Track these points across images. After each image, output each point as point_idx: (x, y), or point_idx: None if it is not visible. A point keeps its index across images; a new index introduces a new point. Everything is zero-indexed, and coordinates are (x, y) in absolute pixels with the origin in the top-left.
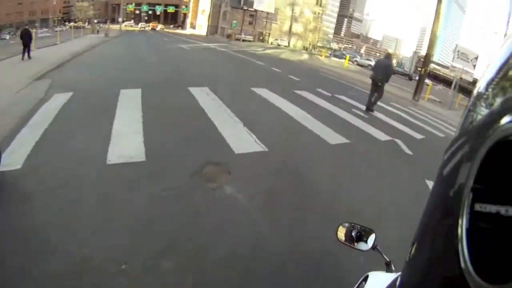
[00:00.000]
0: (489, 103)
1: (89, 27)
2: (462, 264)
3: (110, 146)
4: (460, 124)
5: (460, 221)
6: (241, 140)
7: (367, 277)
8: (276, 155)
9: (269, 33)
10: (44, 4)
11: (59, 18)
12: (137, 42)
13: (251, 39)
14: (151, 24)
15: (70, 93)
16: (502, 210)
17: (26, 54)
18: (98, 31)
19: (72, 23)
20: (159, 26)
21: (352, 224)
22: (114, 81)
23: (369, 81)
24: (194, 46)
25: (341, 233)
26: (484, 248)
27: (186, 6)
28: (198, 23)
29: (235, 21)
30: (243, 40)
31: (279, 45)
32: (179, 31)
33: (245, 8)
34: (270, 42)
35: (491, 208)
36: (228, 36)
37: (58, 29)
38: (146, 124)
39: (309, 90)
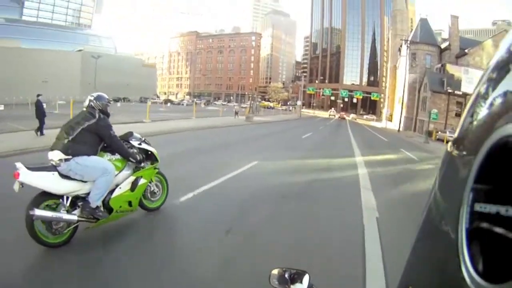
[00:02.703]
0: (489, 104)
1: (283, 107)
2: (462, 264)
3: None
4: (460, 124)
5: (460, 221)
6: None
7: None
8: None
9: None
10: (241, 81)
11: (254, 95)
12: (271, 140)
13: None
14: (340, 113)
15: None
16: (502, 210)
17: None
18: (258, 112)
19: (264, 102)
20: (351, 115)
21: (284, 269)
22: None
23: None
24: (368, 161)
25: (274, 278)
26: (484, 248)
27: (379, 93)
28: (395, 113)
29: (435, 111)
30: (447, 142)
31: None
32: (373, 123)
33: (450, 90)
34: None
35: (491, 208)
36: (429, 133)
37: (233, 104)
38: None
39: None
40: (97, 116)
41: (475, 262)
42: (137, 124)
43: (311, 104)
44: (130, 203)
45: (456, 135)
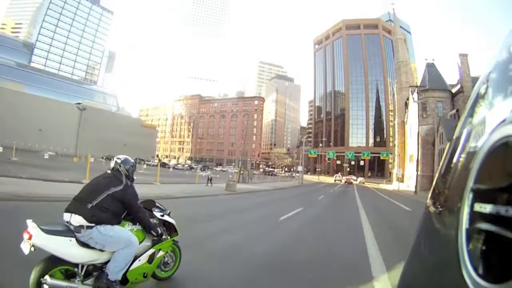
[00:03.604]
0: (489, 104)
1: (285, 174)
2: (462, 264)
3: None
4: (460, 125)
5: (460, 221)
6: None
7: None
8: None
9: None
10: (244, 146)
11: (257, 161)
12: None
13: None
14: (346, 178)
15: None
16: (502, 210)
17: None
18: (251, 180)
19: (267, 168)
20: (359, 179)
21: None
22: None
23: None
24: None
25: None
26: (484, 248)
27: (387, 152)
28: (407, 174)
29: None
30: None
31: None
32: (383, 185)
33: None
34: None
35: (491, 208)
36: None
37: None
38: None
39: None
40: (124, 182)
41: (475, 262)
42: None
43: (316, 170)
44: (145, 275)
45: (456, 135)
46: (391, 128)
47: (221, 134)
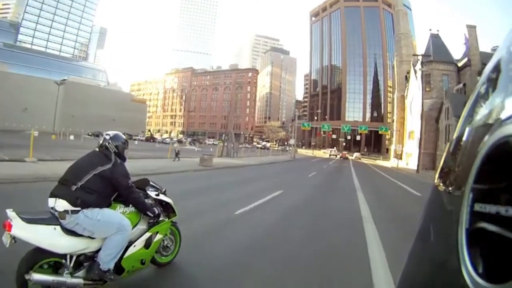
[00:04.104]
0: (489, 104)
1: (278, 148)
2: (462, 264)
3: None
4: (460, 124)
5: (460, 221)
6: None
7: None
8: None
9: None
10: (236, 120)
11: (250, 135)
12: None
13: None
14: (342, 152)
15: None
16: (502, 210)
17: None
18: (236, 153)
19: (263, 142)
20: (355, 154)
21: None
22: None
23: None
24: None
25: None
26: (484, 248)
27: (386, 127)
28: (407, 150)
29: None
30: None
31: None
32: (380, 161)
33: None
34: None
35: (491, 208)
36: None
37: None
38: None
39: None
40: (113, 160)
41: (475, 262)
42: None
43: (310, 144)
44: (142, 261)
45: (456, 134)
46: (389, 104)
47: (213, 107)
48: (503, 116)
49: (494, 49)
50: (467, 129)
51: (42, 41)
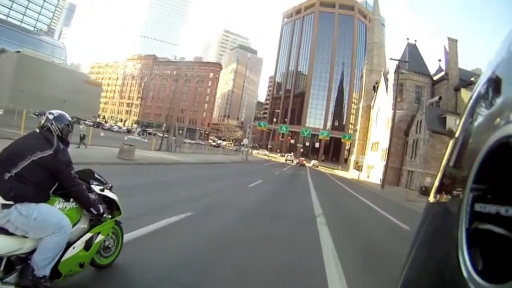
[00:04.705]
0: (489, 104)
1: (233, 148)
2: (462, 264)
3: None
4: (460, 125)
5: (460, 221)
6: None
7: None
8: None
9: None
10: (194, 115)
11: (206, 132)
12: None
13: None
14: (299, 158)
15: None
16: (502, 210)
17: None
18: (179, 148)
19: (216, 140)
20: (313, 162)
21: None
22: None
23: None
24: None
25: None
26: (484, 248)
27: (349, 135)
28: (368, 162)
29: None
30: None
31: None
32: (338, 171)
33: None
34: None
35: (491, 208)
36: (424, 189)
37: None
38: None
39: None
40: (55, 144)
41: (475, 262)
42: None
43: (268, 147)
44: (81, 264)
45: (456, 135)
46: (352, 115)
47: (171, 99)
48: (503, 116)
49: (474, 69)
50: (467, 129)
51: (4, 7)
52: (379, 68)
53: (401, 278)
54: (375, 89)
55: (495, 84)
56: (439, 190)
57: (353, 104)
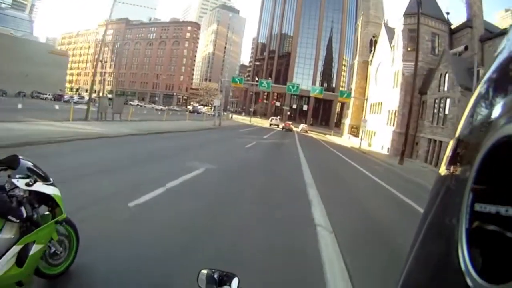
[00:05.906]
0: (489, 104)
1: (211, 113)
2: (462, 264)
3: None
4: (460, 125)
5: (460, 221)
6: None
7: None
8: None
9: None
10: (170, 80)
11: (185, 97)
12: None
13: None
14: (285, 122)
15: None
16: (502, 210)
17: None
18: (119, 116)
19: (195, 105)
20: (301, 126)
21: (213, 270)
22: None
23: None
24: None
25: (202, 278)
26: (484, 248)
27: (348, 92)
28: (369, 127)
29: None
30: None
31: None
32: (331, 136)
33: None
34: None
35: (491, 208)
36: None
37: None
38: None
39: None
40: None
41: (475, 262)
42: None
43: (250, 111)
44: (20, 283)
45: (457, 134)
46: (342, 76)
47: (146, 64)
48: (503, 116)
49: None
50: (467, 129)
51: None
52: (376, 20)
53: (401, 278)
54: (371, 43)
55: (495, 84)
56: (439, 191)
57: (344, 64)
